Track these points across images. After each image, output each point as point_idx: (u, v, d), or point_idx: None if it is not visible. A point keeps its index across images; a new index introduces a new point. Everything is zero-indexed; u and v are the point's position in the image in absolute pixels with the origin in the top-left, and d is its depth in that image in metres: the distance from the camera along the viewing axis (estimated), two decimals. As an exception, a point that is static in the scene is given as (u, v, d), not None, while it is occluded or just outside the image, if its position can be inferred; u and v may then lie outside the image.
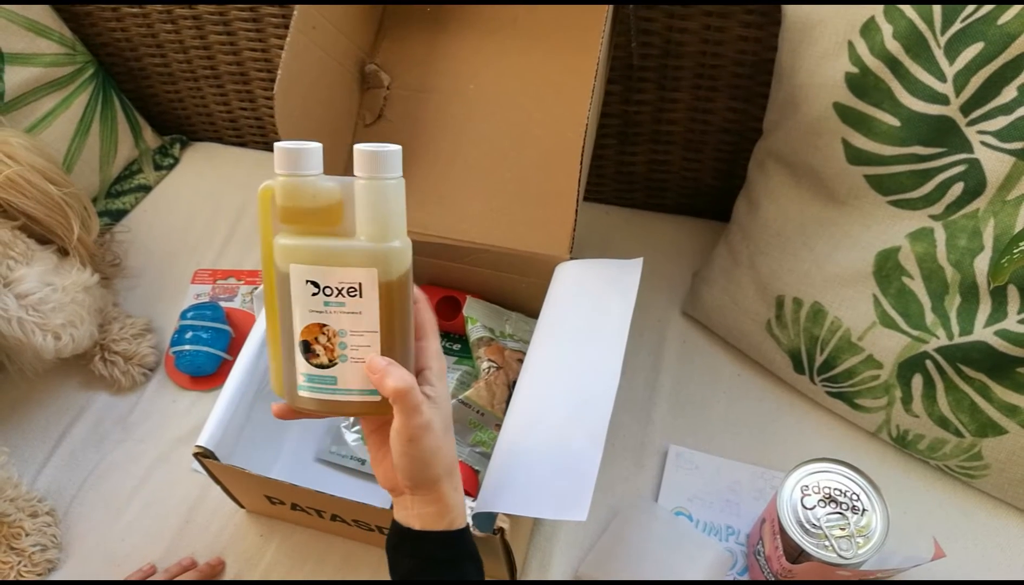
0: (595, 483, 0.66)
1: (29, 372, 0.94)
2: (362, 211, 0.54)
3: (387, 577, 0.83)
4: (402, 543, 0.59)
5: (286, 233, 0.55)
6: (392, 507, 0.61)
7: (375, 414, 0.58)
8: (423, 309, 0.59)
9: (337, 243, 0.55)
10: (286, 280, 0.55)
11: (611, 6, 0.83)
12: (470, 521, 0.63)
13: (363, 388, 0.56)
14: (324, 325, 0.55)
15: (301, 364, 0.56)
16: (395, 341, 0.56)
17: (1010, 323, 0.74)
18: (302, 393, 0.57)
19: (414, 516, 0.58)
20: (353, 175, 0.54)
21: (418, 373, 0.58)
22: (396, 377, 0.54)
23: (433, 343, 0.59)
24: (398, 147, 0.54)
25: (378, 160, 0.53)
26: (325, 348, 0.56)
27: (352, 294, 0.55)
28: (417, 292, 0.59)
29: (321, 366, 0.56)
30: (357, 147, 0.54)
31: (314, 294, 0.55)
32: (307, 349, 0.56)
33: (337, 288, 0.54)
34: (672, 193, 1.13)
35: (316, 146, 0.54)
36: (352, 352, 0.56)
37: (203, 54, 1.18)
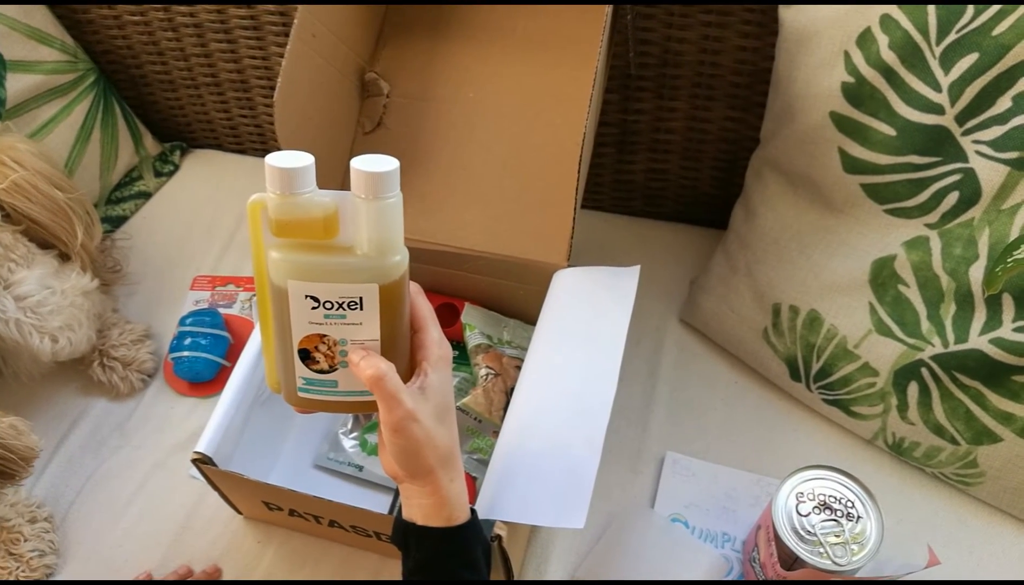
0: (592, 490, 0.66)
1: (26, 376, 0.95)
2: (361, 230, 0.54)
3: (385, 581, 0.83)
4: (406, 539, 0.60)
5: (280, 247, 0.55)
6: (389, 511, 0.61)
7: (376, 410, 0.59)
8: (419, 301, 0.59)
9: (337, 260, 0.54)
10: (283, 293, 0.55)
11: (609, 14, 0.83)
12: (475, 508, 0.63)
13: (364, 388, 0.56)
14: (324, 336, 0.55)
15: (300, 369, 0.57)
16: (394, 343, 0.57)
17: (1005, 331, 0.75)
18: (302, 394, 0.57)
19: (415, 507, 0.59)
20: (350, 189, 0.54)
21: (416, 365, 0.58)
22: (368, 365, 0.54)
23: (433, 332, 0.59)
24: (396, 164, 0.53)
25: (378, 182, 0.52)
26: (325, 356, 0.56)
27: (353, 307, 0.55)
28: (412, 283, 0.59)
29: (321, 371, 0.56)
30: (354, 167, 0.52)
31: (314, 308, 0.55)
32: (306, 356, 0.56)
33: (338, 303, 0.54)
34: (670, 201, 1.14)
35: (308, 164, 0.52)
36: None
37: (204, 62, 1.19)
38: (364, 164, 0.52)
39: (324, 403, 0.58)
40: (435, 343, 0.59)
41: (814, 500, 0.72)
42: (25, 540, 0.85)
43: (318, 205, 0.53)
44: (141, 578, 0.84)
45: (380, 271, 0.54)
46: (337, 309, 0.54)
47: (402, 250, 0.55)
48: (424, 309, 0.59)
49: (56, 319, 0.90)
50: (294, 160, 0.52)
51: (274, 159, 0.52)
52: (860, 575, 0.70)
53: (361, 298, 0.54)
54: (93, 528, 0.89)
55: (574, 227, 0.85)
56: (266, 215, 0.54)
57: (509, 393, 0.86)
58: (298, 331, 0.55)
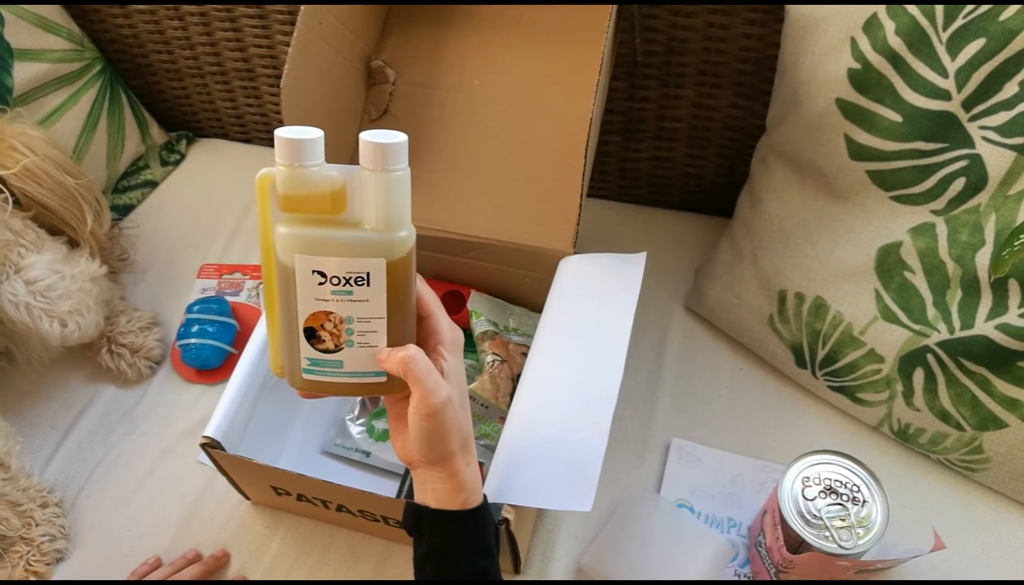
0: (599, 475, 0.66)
1: (36, 360, 0.95)
2: (369, 203, 0.54)
3: (391, 570, 0.84)
4: (419, 523, 0.60)
5: (288, 222, 0.55)
6: (397, 496, 0.61)
7: (381, 394, 0.59)
8: (423, 289, 0.59)
9: (344, 234, 0.55)
10: (289, 269, 0.55)
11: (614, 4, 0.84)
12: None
13: (369, 370, 0.57)
14: (330, 313, 0.56)
15: (305, 349, 0.57)
16: (400, 324, 0.57)
17: (1011, 317, 0.75)
18: (306, 376, 0.58)
19: (430, 492, 0.59)
20: (358, 164, 0.54)
21: (431, 351, 0.58)
22: (397, 349, 0.55)
23: (441, 318, 0.59)
24: (404, 137, 0.54)
25: (386, 153, 0.53)
26: (331, 334, 0.56)
27: (360, 283, 0.55)
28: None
29: (326, 351, 0.56)
30: (363, 138, 0.53)
31: (320, 284, 0.55)
32: (312, 335, 0.56)
33: (344, 278, 0.55)
34: (675, 189, 1.14)
35: (318, 136, 0.53)
36: (359, 337, 0.56)
37: (210, 51, 1.19)
38: (373, 136, 0.53)
39: (329, 385, 0.58)
40: (446, 328, 0.59)
41: (820, 484, 0.72)
42: (36, 524, 0.86)
43: (326, 179, 0.54)
44: (150, 563, 0.85)
45: (387, 246, 0.55)
46: (344, 285, 0.55)
47: (409, 227, 0.56)
48: (429, 296, 0.60)
49: (65, 304, 0.90)
50: (304, 132, 0.53)
51: (284, 131, 0.53)
52: (866, 559, 0.70)
53: (368, 273, 0.54)
54: (103, 513, 0.90)
55: (580, 214, 0.85)
56: (274, 191, 0.54)
57: (515, 379, 0.87)
58: (304, 308, 0.55)
